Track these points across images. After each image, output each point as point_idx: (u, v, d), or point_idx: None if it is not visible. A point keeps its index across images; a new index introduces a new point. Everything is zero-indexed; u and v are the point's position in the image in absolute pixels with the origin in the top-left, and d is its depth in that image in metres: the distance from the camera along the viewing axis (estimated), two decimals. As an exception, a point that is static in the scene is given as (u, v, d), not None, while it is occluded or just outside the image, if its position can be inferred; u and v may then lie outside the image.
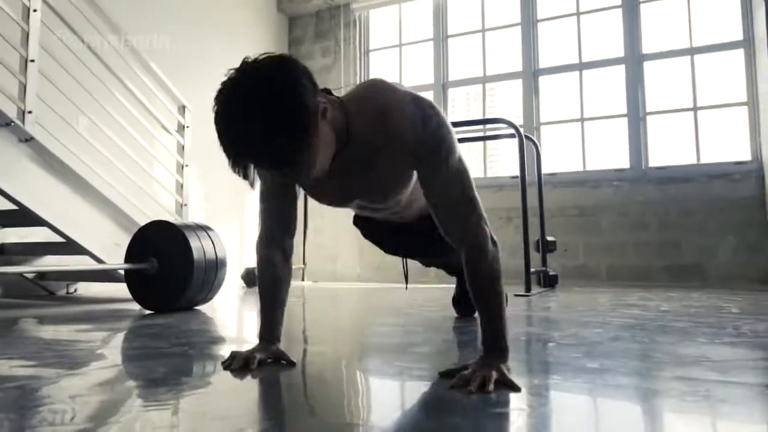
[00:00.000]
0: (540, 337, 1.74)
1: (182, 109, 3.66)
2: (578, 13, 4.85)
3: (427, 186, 1.17)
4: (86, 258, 3.05)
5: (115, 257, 2.92)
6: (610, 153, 4.61)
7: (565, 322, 2.07)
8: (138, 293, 2.64)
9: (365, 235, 1.95)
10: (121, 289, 3.41)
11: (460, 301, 2.22)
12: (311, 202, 5.01)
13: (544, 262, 3.87)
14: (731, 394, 1.01)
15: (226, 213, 4.98)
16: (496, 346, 1.12)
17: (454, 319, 2.16)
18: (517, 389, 1.01)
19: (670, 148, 4.44)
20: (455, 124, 5.08)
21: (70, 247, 2.95)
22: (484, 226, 1.17)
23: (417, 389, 1.11)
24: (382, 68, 5.74)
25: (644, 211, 4.29)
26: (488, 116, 5.12)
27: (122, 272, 2.80)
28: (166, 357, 1.42)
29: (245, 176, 1.03)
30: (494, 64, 5.18)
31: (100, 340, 1.81)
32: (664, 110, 4.53)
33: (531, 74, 4.94)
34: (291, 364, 1.27)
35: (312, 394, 1.12)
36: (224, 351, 1.50)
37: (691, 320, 2.06)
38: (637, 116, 4.51)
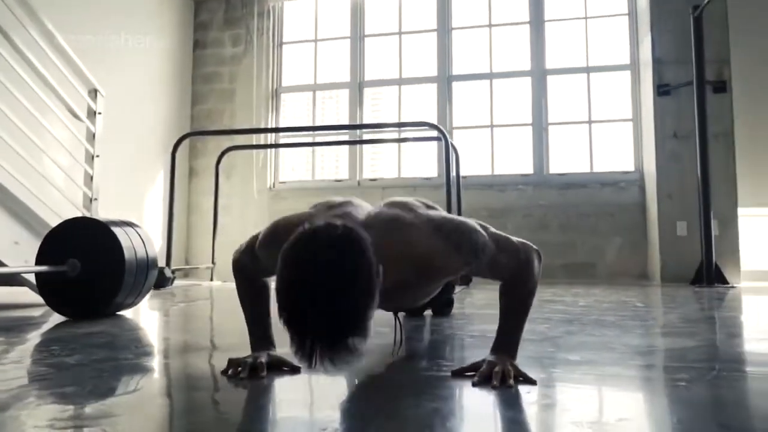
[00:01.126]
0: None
1: (94, 92, 3.38)
2: (490, 25, 5.19)
3: (476, 273, 1.28)
4: None
5: (15, 256, 2.61)
6: (516, 159, 5.01)
7: (475, 318, 2.25)
8: (54, 298, 2.35)
9: None
10: (8, 292, 3.12)
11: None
12: (221, 198, 4.96)
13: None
14: (701, 375, 1.22)
15: (123, 208, 4.62)
16: (508, 349, 1.22)
17: (402, 317, 2.24)
18: (533, 382, 1.11)
19: (567, 156, 4.93)
20: (374, 126, 5.26)
21: None
22: (528, 250, 1.26)
23: (427, 384, 1.19)
24: (297, 62, 5.70)
25: (546, 213, 4.73)
26: (403, 119, 5.31)
27: (25, 275, 2.54)
28: (137, 370, 1.35)
29: (309, 358, 0.97)
30: (410, 68, 5.38)
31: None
32: (563, 122, 5.01)
33: (445, 80, 5.21)
34: (294, 369, 1.24)
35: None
36: (194, 360, 1.48)
37: (614, 314, 2.36)
38: (540, 126, 4.95)
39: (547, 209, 4.74)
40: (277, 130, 5.50)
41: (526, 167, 4.95)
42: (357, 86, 5.44)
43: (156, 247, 2.62)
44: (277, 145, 5.53)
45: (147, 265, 2.44)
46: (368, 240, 1.00)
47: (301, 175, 5.69)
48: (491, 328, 1.90)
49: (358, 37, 5.48)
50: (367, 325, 0.98)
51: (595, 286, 3.98)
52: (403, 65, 5.39)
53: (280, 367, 1.25)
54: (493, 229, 1.27)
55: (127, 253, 2.33)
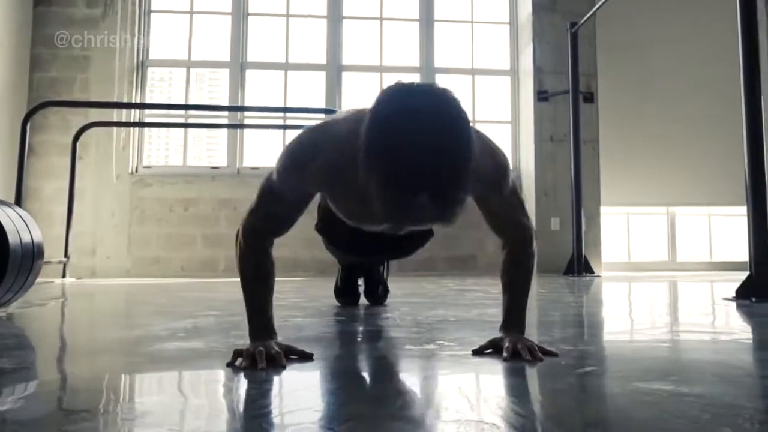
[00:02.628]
0: (463, 318, 1.94)
1: None
2: (381, 18, 5.33)
3: (494, 206, 1.28)
4: None
5: None
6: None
7: (453, 306, 2.35)
8: None
9: (344, 246, 1.94)
10: None
11: (342, 291, 2.33)
12: (77, 181, 4.40)
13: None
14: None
15: None
16: (518, 325, 1.28)
17: (337, 307, 2.25)
18: (555, 354, 1.19)
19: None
20: (259, 109, 5.05)
21: None
22: (531, 224, 1.35)
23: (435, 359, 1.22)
24: (168, 35, 5.28)
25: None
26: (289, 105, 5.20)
27: None
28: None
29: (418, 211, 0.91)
30: (297, 53, 5.29)
31: None
32: (450, 120, 5.30)
33: (335, 69, 5.21)
34: (306, 356, 1.17)
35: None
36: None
37: (534, 299, 2.59)
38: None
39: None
40: (145, 106, 5.05)
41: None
42: (239, 67, 5.21)
43: None
44: (143, 124, 5.06)
45: (33, 252, 2.10)
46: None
47: (170, 160, 5.28)
48: (444, 312, 2.03)
49: (241, 14, 5.25)
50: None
51: (479, 276, 4.30)
52: (291, 50, 5.28)
53: (289, 355, 1.16)
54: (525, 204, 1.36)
55: (12, 238, 1.97)
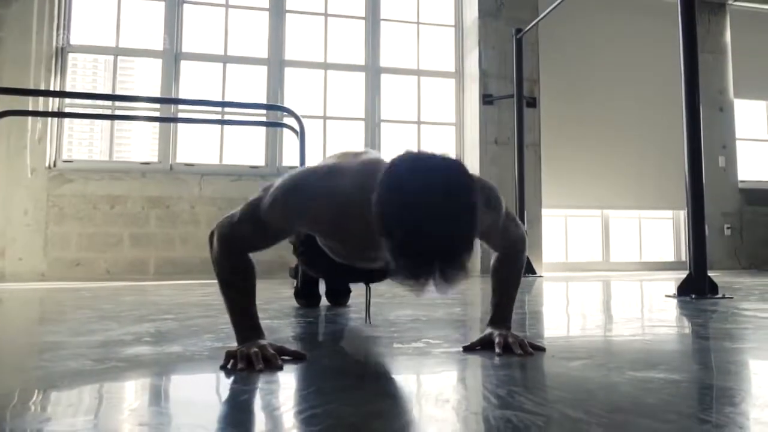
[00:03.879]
0: (432, 317, 1.99)
1: None
2: (326, 14, 5.36)
3: (492, 238, 1.36)
4: None
5: None
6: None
7: (375, 306, 2.39)
8: None
9: (321, 270, 1.95)
10: None
11: (303, 293, 2.33)
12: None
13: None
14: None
15: None
16: (506, 321, 1.37)
17: (296, 308, 2.25)
18: (543, 348, 1.28)
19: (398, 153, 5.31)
20: (197, 102, 4.90)
21: None
22: (522, 230, 1.42)
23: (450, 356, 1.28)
24: (94, 19, 5.02)
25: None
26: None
27: None
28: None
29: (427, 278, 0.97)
30: (237, 46, 5.20)
31: None
32: (395, 120, 5.41)
33: (277, 63, 5.16)
34: (299, 356, 1.19)
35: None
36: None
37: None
38: (373, 122, 5.26)
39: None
40: (65, 94, 4.78)
41: (360, 162, 5.19)
42: (173, 57, 5.04)
43: None
44: (63, 114, 4.79)
45: None
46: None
47: (94, 155, 5.03)
48: (412, 312, 2.07)
49: (176, 1, 5.07)
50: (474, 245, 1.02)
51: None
52: (230, 42, 5.17)
53: (281, 356, 1.17)
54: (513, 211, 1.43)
55: None
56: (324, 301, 2.36)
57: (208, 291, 3.07)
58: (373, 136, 5.27)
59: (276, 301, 2.51)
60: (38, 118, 4.64)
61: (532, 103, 5.15)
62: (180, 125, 5.01)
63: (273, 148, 5.09)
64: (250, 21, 5.29)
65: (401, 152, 1.04)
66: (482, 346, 1.29)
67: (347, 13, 5.43)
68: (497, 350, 1.24)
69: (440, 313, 2.06)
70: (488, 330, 1.33)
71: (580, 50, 5.66)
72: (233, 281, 1.25)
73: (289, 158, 5.05)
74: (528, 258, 4.68)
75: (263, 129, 5.08)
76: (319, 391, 0.97)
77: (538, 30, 5.18)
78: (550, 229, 5.50)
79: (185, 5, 5.16)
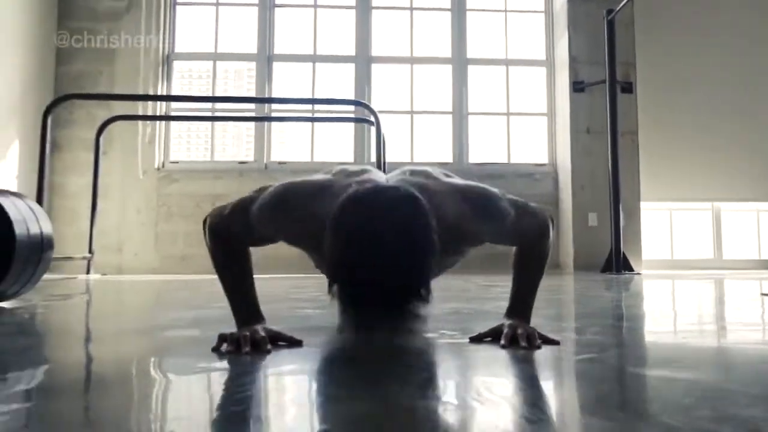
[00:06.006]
0: (470, 310, 2.03)
1: None
2: (412, 9, 5.48)
3: (499, 240, 1.36)
4: None
5: None
6: (435, 146, 5.33)
7: (476, 300, 2.47)
8: None
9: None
10: None
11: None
12: (102, 177, 4.62)
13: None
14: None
15: None
16: (523, 313, 1.32)
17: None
18: (556, 342, 1.22)
19: (486, 146, 5.36)
20: (289, 101, 5.21)
21: None
22: (543, 213, 1.37)
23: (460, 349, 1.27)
24: (193, 26, 5.50)
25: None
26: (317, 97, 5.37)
27: None
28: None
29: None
30: (326, 45, 5.45)
31: None
32: (483, 112, 5.42)
33: (364, 60, 5.36)
34: (295, 342, 1.23)
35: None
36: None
37: (562, 294, 2.70)
38: (461, 114, 5.32)
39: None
40: (171, 98, 5.28)
41: (446, 155, 5.29)
42: (266, 59, 5.41)
43: None
44: (169, 117, 5.29)
45: (42, 244, 2.14)
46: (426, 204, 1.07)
47: (197, 155, 5.50)
48: (460, 305, 2.12)
49: (267, 6, 5.44)
50: (430, 280, 1.07)
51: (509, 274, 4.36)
52: (318, 42, 5.45)
53: (277, 341, 1.22)
54: (510, 195, 1.35)
55: (18, 228, 2.01)
56: None
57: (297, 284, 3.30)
58: (460, 130, 5.33)
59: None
60: (147, 122, 5.17)
61: (628, 88, 4.95)
62: (273, 125, 5.36)
63: (361, 144, 5.30)
64: (336, 20, 5.53)
65: (360, 185, 1.10)
66: (492, 337, 1.26)
67: (433, 6, 5.52)
68: (502, 342, 1.20)
69: (487, 307, 2.08)
70: (505, 321, 1.29)
71: (683, 27, 5.35)
72: (228, 266, 1.30)
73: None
74: (624, 254, 4.54)
75: (352, 126, 5.29)
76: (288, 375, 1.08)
77: (634, 9, 4.97)
78: (652, 223, 5.26)
79: (276, 9, 5.50)
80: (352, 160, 5.26)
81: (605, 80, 4.74)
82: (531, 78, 5.50)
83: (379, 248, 0.98)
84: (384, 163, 4.49)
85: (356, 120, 4.45)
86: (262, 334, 1.18)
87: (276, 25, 5.49)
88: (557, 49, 5.36)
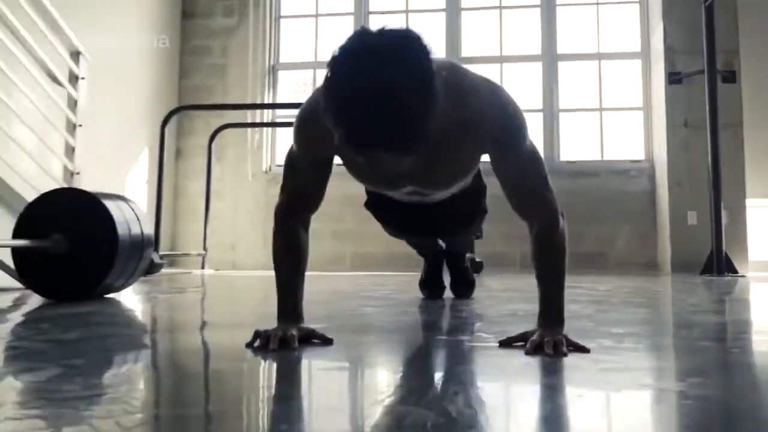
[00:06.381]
0: (526, 312, 1.96)
1: (76, 55, 3.22)
2: (501, 7, 5.39)
3: (504, 169, 1.26)
4: None
5: None
6: (525, 145, 5.20)
7: (532, 300, 2.39)
8: (33, 278, 2.26)
9: (388, 221, 1.99)
10: None
11: (426, 283, 2.42)
12: (216, 181, 4.99)
13: (471, 249, 4.25)
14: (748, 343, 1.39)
15: (102, 187, 4.49)
16: (555, 317, 1.24)
17: (421, 299, 2.36)
18: (586, 350, 1.14)
19: (578, 144, 5.17)
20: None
21: None
22: (556, 202, 1.29)
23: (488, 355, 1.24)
24: (296, 38, 5.77)
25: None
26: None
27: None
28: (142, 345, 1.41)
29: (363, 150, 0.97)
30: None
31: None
32: (574, 108, 5.25)
33: (455, 61, 5.35)
34: (327, 341, 1.25)
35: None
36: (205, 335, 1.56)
37: (641, 297, 2.56)
38: (551, 112, 5.18)
39: (557, 197, 4.91)
40: (276, 106, 5.56)
41: (536, 154, 5.14)
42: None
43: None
44: (273, 124, 5.59)
45: (142, 243, 2.35)
46: (425, 41, 0.99)
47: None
48: (521, 307, 2.09)
49: (362, 13, 5.59)
50: (428, 131, 0.97)
51: (605, 275, 4.18)
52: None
53: (310, 340, 1.25)
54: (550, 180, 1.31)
55: (121, 229, 2.22)
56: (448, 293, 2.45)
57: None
58: (551, 127, 5.18)
59: (411, 292, 2.59)
60: (255, 128, 5.50)
61: (730, 77, 4.54)
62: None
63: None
64: (427, 23, 5.57)
65: (351, 34, 1.03)
66: (522, 341, 1.20)
67: (522, 4, 5.42)
68: (527, 347, 1.14)
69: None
70: (537, 326, 1.23)
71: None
72: (284, 263, 1.34)
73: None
74: (727, 255, 4.18)
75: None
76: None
77: (736, -8, 4.56)
78: (761, 222, 4.78)
79: (370, 16, 5.62)
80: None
81: (704, 70, 4.38)
82: (625, 71, 5.24)
83: (367, 82, 0.92)
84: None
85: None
86: (293, 332, 1.20)
87: (371, 32, 5.60)
88: (652, 40, 5.04)
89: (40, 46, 2.97)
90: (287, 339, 1.18)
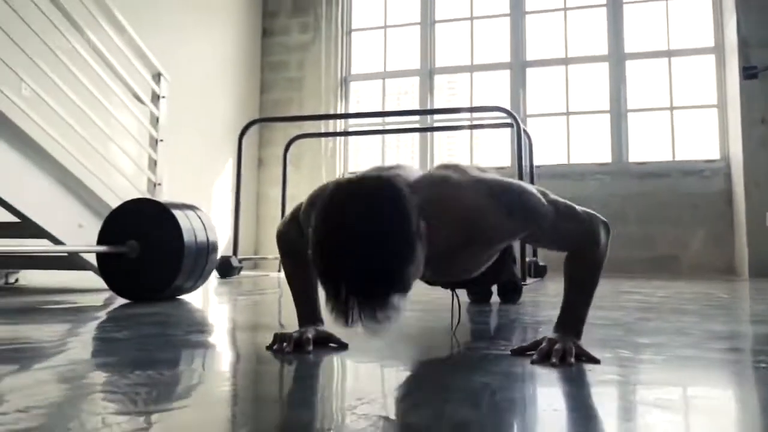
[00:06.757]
0: (547, 318, 1.93)
1: (157, 77, 3.43)
2: (565, 9, 5.23)
3: (536, 243, 1.34)
4: (35, 242, 2.78)
5: (78, 240, 2.68)
6: (593, 147, 5.03)
7: (543, 305, 2.34)
8: (113, 280, 2.45)
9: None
10: (74, 278, 3.27)
11: (474, 288, 2.36)
12: (290, 188, 5.17)
13: (534, 253, 4.17)
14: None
15: (190, 196, 4.68)
16: (572, 328, 1.22)
17: (468, 304, 2.33)
18: (597, 361, 1.11)
19: (648, 144, 4.93)
20: (443, 111, 5.35)
21: (20, 228, 2.69)
22: (593, 219, 1.26)
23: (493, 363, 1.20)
24: (366, 50, 5.89)
25: (624, 204, 4.75)
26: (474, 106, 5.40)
27: (88, 258, 2.62)
28: (183, 345, 1.43)
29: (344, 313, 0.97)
30: (482, 54, 5.47)
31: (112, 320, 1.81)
32: (643, 108, 5.01)
33: (519, 66, 5.28)
34: (343, 345, 1.28)
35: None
36: (242, 337, 1.58)
37: (695, 304, 2.42)
38: (619, 112, 4.97)
39: (625, 199, 4.76)
40: (344, 116, 5.70)
41: (604, 156, 4.98)
42: (427, 73, 5.59)
43: (223, 236, 2.64)
44: (344, 133, 5.73)
45: (207, 248, 2.49)
46: (406, 191, 1.00)
47: (370, 165, 5.86)
48: (546, 312, 2.03)
49: (428, 23, 5.63)
50: (405, 280, 0.97)
51: (677, 279, 3.96)
52: (475, 51, 5.50)
53: (327, 343, 1.28)
54: (554, 196, 1.25)
55: (187, 236, 2.37)
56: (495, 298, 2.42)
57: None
58: (618, 128, 4.97)
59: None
60: (329, 137, 5.65)
61: (811, 70, 4.15)
62: (437, 136, 5.52)
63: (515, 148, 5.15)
64: (492, 28, 5.51)
65: (342, 179, 1.06)
66: (533, 350, 1.18)
67: (587, 4, 5.24)
68: (534, 357, 1.13)
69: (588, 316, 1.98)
70: (551, 334, 1.21)
71: None
72: (292, 274, 1.40)
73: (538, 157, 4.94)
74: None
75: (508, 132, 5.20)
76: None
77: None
78: None
79: (436, 25, 5.64)
80: (509, 164, 5.18)
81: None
82: (697, 67, 4.94)
83: (338, 242, 0.95)
84: (531, 164, 4.38)
85: (502, 125, 4.39)
86: (309, 336, 1.26)
87: (437, 40, 5.64)
88: (726, 33, 4.71)
89: (125, 70, 3.24)
90: (302, 342, 1.23)
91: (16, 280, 3.35)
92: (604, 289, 3.22)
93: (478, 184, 1.18)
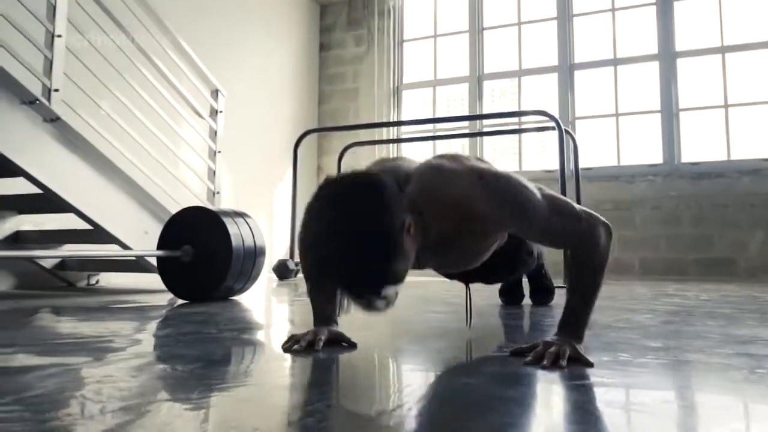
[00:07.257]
0: (595, 321, 1.89)
1: (215, 93, 3.64)
2: (613, 9, 5.08)
3: (530, 237, 1.32)
4: (107, 247, 2.97)
5: (144, 246, 2.87)
6: (643, 148, 4.86)
7: (614, 309, 2.28)
8: (171, 282, 2.61)
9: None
10: (147, 280, 3.41)
11: (506, 290, 2.39)
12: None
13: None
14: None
15: (254, 203, 4.91)
16: (572, 331, 1.19)
17: (500, 306, 2.32)
18: (590, 364, 1.08)
19: (701, 144, 4.70)
20: (491, 116, 5.31)
21: (94, 235, 2.88)
22: (592, 220, 1.23)
23: (489, 364, 1.21)
24: (417, 59, 5.93)
25: (677, 205, 4.54)
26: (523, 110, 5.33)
27: (152, 262, 2.78)
28: (216, 341, 1.48)
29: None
30: (530, 58, 5.38)
31: (142, 322, 1.89)
32: (696, 107, 4.78)
33: (567, 69, 5.17)
34: (352, 345, 1.30)
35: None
36: (274, 335, 1.65)
37: (733, 307, 2.29)
38: (670, 112, 4.76)
39: (679, 201, 4.55)
40: (395, 123, 5.75)
41: (655, 157, 4.78)
42: (476, 80, 5.57)
43: (285, 241, 2.75)
44: (397, 140, 5.78)
45: (254, 252, 2.60)
46: (389, 186, 1.02)
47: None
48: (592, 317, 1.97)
49: (476, 30, 5.60)
50: (392, 275, 1.01)
51: (731, 282, 3.75)
52: (523, 56, 5.42)
53: (339, 343, 1.30)
54: (550, 191, 1.24)
55: (235, 240, 2.49)
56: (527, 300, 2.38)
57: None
58: (670, 128, 4.75)
59: (492, 298, 2.51)
60: (383, 145, 5.72)
61: None
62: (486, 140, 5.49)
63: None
64: (540, 32, 5.42)
65: (324, 181, 1.08)
66: (532, 351, 1.16)
67: (635, 3, 5.06)
68: (528, 358, 1.11)
69: (611, 319, 1.88)
70: (551, 336, 1.19)
71: None
72: (316, 284, 1.42)
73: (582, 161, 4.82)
74: None
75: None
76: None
77: None
78: None
79: (485, 31, 5.60)
80: (557, 168, 5.05)
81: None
82: (753, 63, 4.65)
83: (322, 238, 1.00)
84: (577, 166, 4.27)
85: (547, 128, 4.30)
86: (320, 336, 1.28)
87: (485, 46, 5.60)
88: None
89: (186, 88, 3.45)
90: (314, 342, 1.27)
91: (97, 282, 3.59)
92: (643, 291, 3.10)
93: (470, 172, 1.18)
